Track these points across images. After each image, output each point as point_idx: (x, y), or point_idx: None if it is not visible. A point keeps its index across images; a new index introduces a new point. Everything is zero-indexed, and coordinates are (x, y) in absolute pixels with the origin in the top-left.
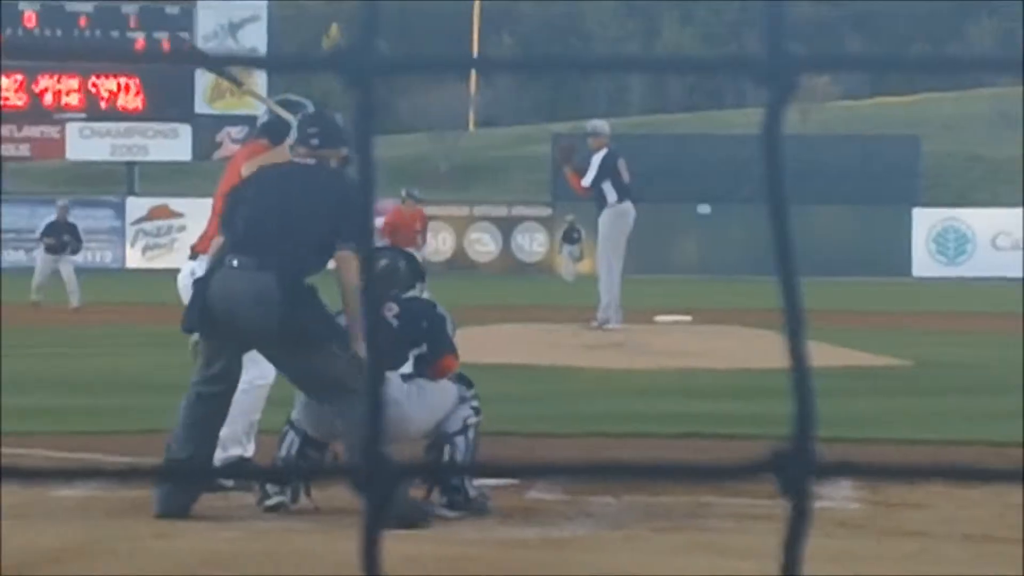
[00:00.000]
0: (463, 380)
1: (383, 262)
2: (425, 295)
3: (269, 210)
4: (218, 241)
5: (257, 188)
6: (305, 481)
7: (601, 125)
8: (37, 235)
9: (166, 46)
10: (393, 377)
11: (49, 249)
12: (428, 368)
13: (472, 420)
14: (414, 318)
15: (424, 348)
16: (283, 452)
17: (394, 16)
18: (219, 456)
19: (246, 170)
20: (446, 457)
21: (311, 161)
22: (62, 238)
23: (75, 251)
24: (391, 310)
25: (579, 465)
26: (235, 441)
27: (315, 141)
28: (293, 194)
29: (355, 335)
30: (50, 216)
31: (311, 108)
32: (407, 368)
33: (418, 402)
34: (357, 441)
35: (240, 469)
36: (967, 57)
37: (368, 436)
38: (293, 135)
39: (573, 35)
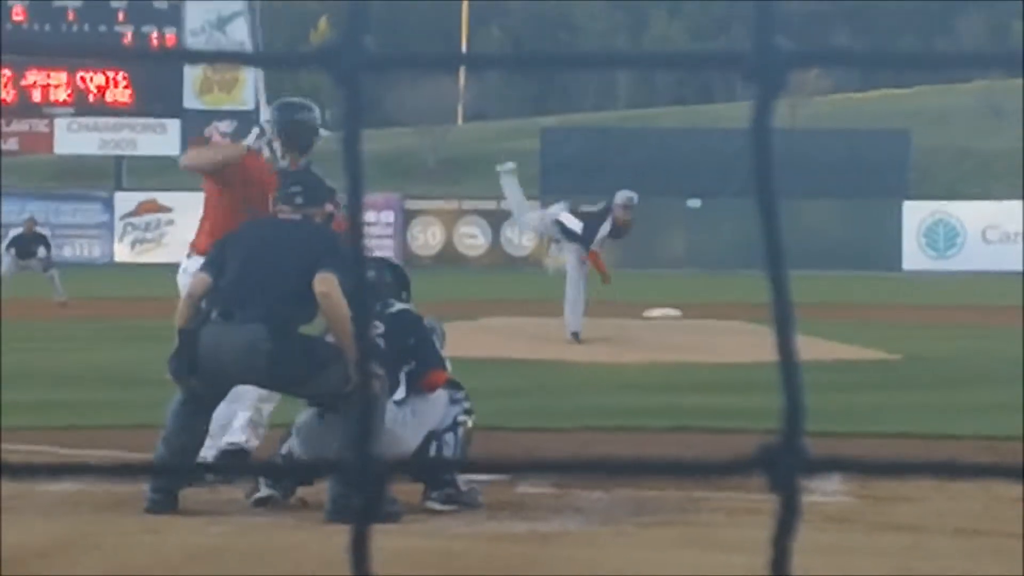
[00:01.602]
0: (451, 383)
1: (369, 273)
2: (409, 305)
3: (256, 263)
4: (203, 280)
5: (244, 242)
6: (297, 480)
7: (635, 199)
8: (4, 245)
9: (154, 41)
10: (387, 406)
11: (20, 255)
12: (417, 383)
13: (462, 418)
14: (401, 335)
15: (413, 364)
16: (284, 450)
17: (382, 8)
18: (211, 445)
19: (187, 159)
20: (433, 452)
21: (296, 217)
22: (30, 249)
23: (48, 256)
24: (377, 328)
25: (568, 461)
26: (232, 431)
27: (299, 200)
28: (279, 247)
29: (351, 355)
30: (17, 229)
31: (316, 112)
32: (400, 393)
33: (412, 424)
34: (349, 442)
35: (229, 465)
36: (954, 52)
37: (358, 434)
38: (276, 195)
39: (562, 29)
